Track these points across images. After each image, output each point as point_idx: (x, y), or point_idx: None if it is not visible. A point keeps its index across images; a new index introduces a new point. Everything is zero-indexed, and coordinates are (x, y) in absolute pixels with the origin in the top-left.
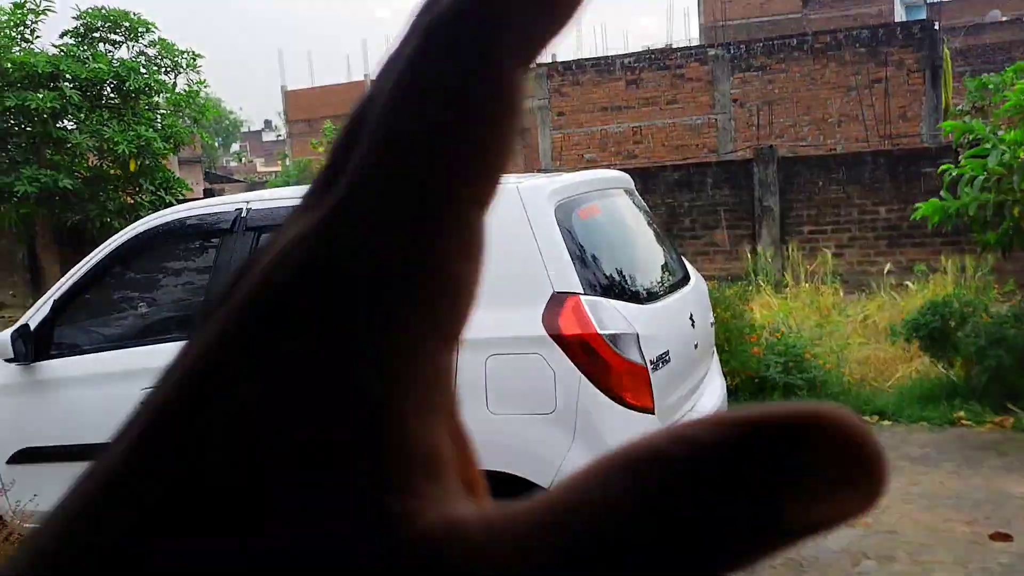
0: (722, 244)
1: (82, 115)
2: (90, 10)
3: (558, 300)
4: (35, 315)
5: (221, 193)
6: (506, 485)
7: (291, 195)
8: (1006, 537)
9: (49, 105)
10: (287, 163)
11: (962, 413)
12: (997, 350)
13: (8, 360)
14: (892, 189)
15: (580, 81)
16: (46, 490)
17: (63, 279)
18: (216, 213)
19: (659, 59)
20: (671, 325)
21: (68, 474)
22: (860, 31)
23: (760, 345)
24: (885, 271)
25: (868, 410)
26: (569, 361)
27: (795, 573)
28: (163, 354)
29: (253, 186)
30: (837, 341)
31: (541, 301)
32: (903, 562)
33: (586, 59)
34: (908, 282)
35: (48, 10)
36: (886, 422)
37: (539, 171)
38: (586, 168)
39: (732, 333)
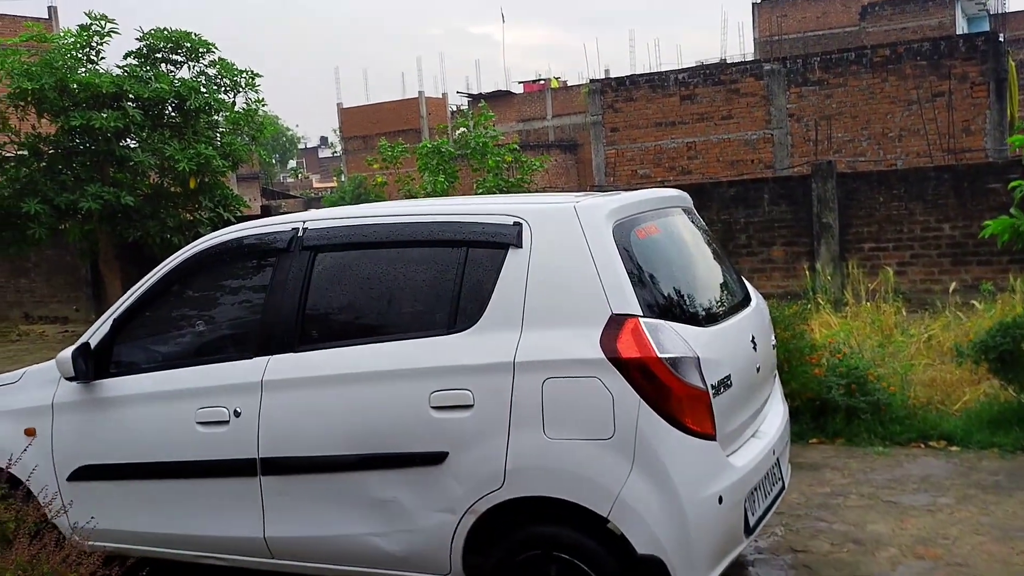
0: (779, 261)
1: (144, 134)
2: (153, 31)
3: (616, 322)
4: (95, 333)
5: (278, 209)
6: (563, 512)
7: (346, 215)
8: None
9: (113, 124)
10: (342, 179)
11: None
12: None
13: (69, 378)
14: (956, 205)
15: (634, 97)
16: (105, 508)
17: (123, 298)
18: (273, 233)
19: (713, 74)
20: (733, 348)
21: (126, 492)
22: (921, 44)
23: (821, 366)
24: (950, 289)
25: (935, 435)
26: (628, 385)
27: None
28: (218, 375)
29: (309, 202)
30: (900, 362)
31: (599, 323)
32: None
33: (640, 75)
34: (974, 301)
35: (113, 32)
36: (954, 448)
37: (592, 187)
38: (640, 184)
39: (792, 353)
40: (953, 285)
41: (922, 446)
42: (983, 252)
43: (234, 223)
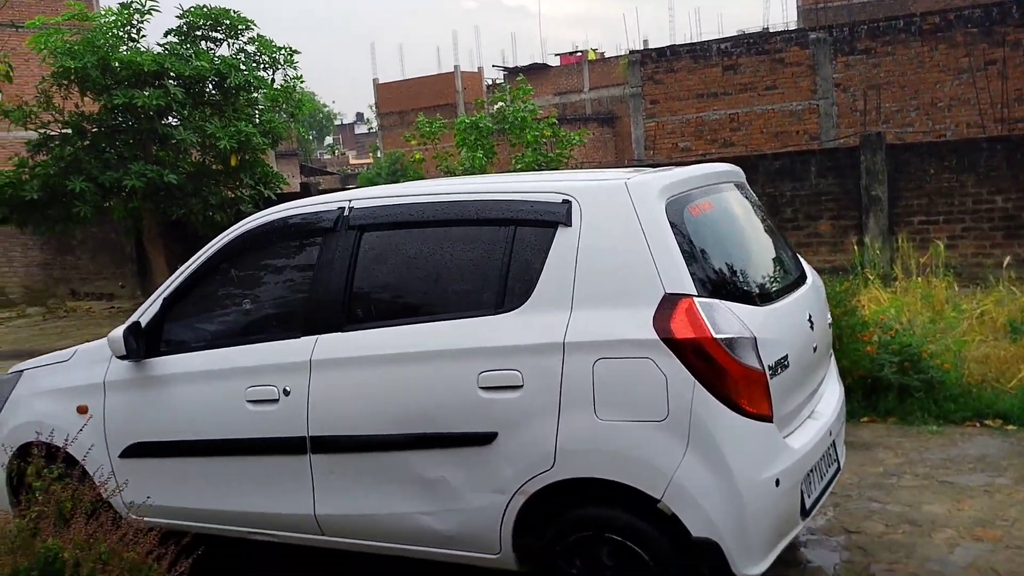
0: (826, 235)
1: (185, 112)
2: (192, 8)
3: (670, 302)
4: (146, 312)
5: (317, 186)
6: (615, 494)
7: (392, 194)
8: None
9: (155, 103)
10: (378, 155)
11: None
12: None
13: (121, 357)
14: (1009, 177)
15: (674, 68)
16: (157, 485)
17: (172, 277)
18: (319, 212)
19: (757, 43)
20: (789, 327)
21: (178, 469)
22: (972, 10)
23: (873, 343)
24: (1004, 264)
25: (990, 413)
26: (682, 366)
27: None
28: (266, 354)
29: (346, 178)
30: (953, 338)
31: (652, 303)
32: None
33: (680, 45)
34: None
35: (153, 10)
36: (1011, 427)
37: (631, 161)
38: (680, 157)
39: (843, 331)
40: (1007, 259)
41: (977, 425)
42: None
43: (274, 200)
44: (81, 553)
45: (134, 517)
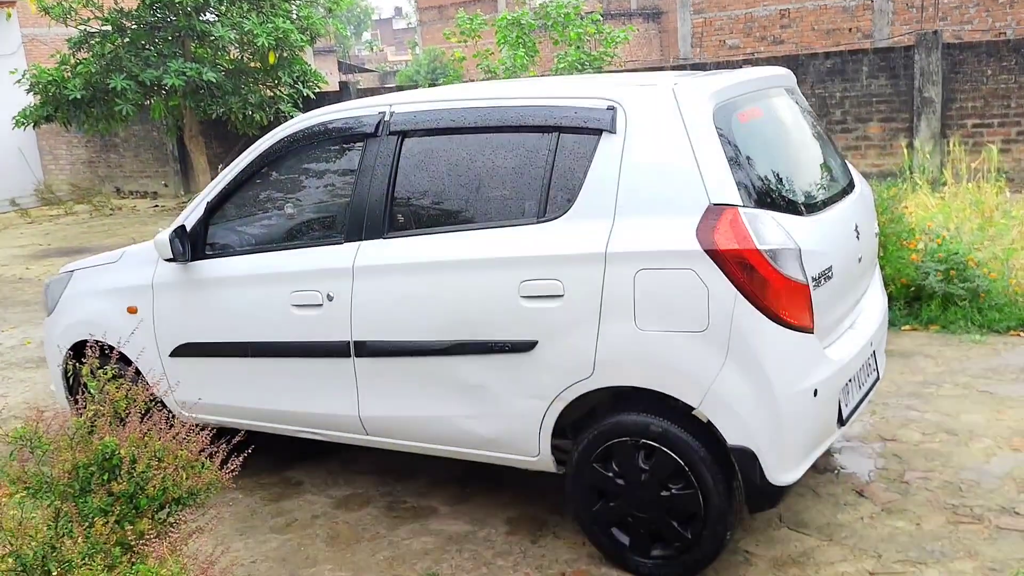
0: (875, 138)
1: (223, 8)
2: None
3: (714, 212)
4: (190, 216)
5: (356, 84)
6: (653, 402)
7: (434, 98)
8: None
9: None
10: (417, 52)
11: None
12: None
13: (167, 259)
14: None
15: None
16: (206, 384)
17: (215, 181)
18: (360, 116)
19: None
20: (835, 238)
21: (226, 369)
22: None
23: (919, 251)
24: None
25: None
26: (724, 277)
27: (953, 497)
28: (310, 259)
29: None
30: (1001, 246)
31: (696, 213)
32: None
33: None
34: None
35: None
36: None
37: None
38: (728, 56)
39: (889, 238)
40: None
41: (1021, 335)
42: None
43: (313, 99)
44: (137, 450)
45: (186, 415)
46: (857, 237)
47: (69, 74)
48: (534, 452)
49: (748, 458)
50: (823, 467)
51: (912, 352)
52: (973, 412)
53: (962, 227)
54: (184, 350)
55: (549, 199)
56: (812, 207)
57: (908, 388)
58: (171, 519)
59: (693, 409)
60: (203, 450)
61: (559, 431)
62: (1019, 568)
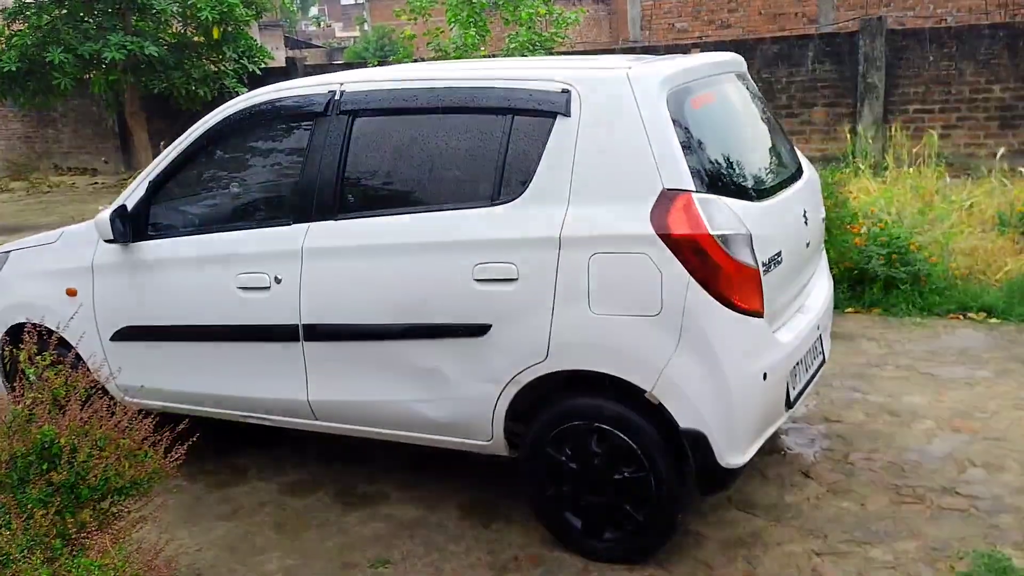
0: (820, 123)
1: None
2: None
3: (668, 197)
4: (132, 195)
5: (303, 60)
6: (607, 386)
7: (385, 78)
8: None
9: None
10: (366, 28)
11: None
12: None
13: (108, 240)
14: (1010, 66)
15: None
16: (149, 368)
17: (157, 160)
18: (309, 95)
19: None
20: (784, 223)
21: (170, 353)
22: None
23: (862, 235)
24: (998, 155)
25: (975, 307)
26: (677, 262)
27: (896, 478)
28: (257, 241)
29: (332, 52)
30: (941, 230)
31: (650, 198)
32: (1013, 471)
33: None
34: (1021, 168)
35: None
36: (994, 320)
37: (625, 42)
38: (676, 39)
39: (832, 222)
40: (1001, 150)
41: (961, 318)
42: None
43: (258, 75)
44: (77, 439)
45: (129, 401)
46: (805, 223)
47: (3, 46)
48: (487, 436)
49: (699, 441)
50: (770, 449)
51: (855, 334)
52: (915, 394)
53: (903, 211)
54: (126, 334)
55: (503, 182)
56: (762, 193)
57: (852, 370)
58: (113, 509)
59: (645, 393)
60: (146, 438)
61: (512, 415)
62: (959, 547)
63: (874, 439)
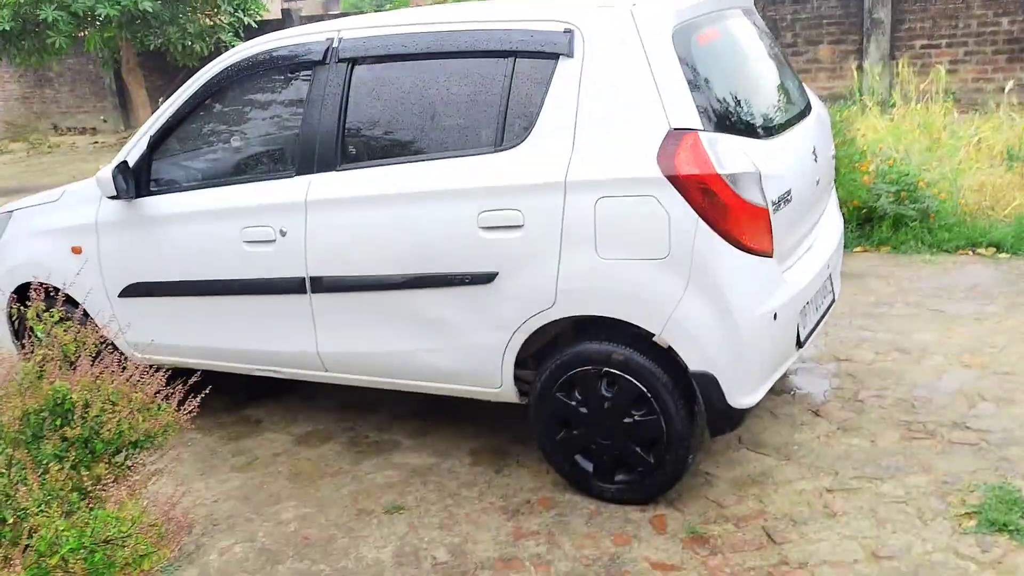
0: (826, 61)
1: None
2: None
3: (675, 137)
4: (132, 151)
5: (298, 11)
6: (615, 331)
7: (383, 23)
8: None
9: None
10: None
11: None
12: None
13: (111, 197)
14: None
15: None
16: (158, 324)
17: (156, 114)
18: (306, 44)
19: None
20: (794, 161)
21: (178, 308)
22: None
23: (870, 173)
24: (1006, 89)
25: (983, 242)
26: (685, 203)
27: (906, 414)
28: (260, 194)
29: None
30: (949, 167)
31: (656, 138)
32: (1022, 405)
33: None
34: None
35: None
36: (1003, 255)
37: None
38: None
39: (841, 160)
40: (1009, 84)
41: (970, 253)
42: None
43: (255, 28)
44: (89, 394)
45: (139, 356)
46: (815, 160)
47: None
48: (496, 384)
49: (709, 383)
50: (780, 389)
51: (865, 273)
52: (924, 331)
53: (911, 149)
54: (133, 290)
55: (506, 126)
56: (771, 130)
57: (861, 309)
58: (128, 462)
59: (654, 336)
60: (159, 392)
61: (521, 362)
62: (970, 480)
63: (884, 377)
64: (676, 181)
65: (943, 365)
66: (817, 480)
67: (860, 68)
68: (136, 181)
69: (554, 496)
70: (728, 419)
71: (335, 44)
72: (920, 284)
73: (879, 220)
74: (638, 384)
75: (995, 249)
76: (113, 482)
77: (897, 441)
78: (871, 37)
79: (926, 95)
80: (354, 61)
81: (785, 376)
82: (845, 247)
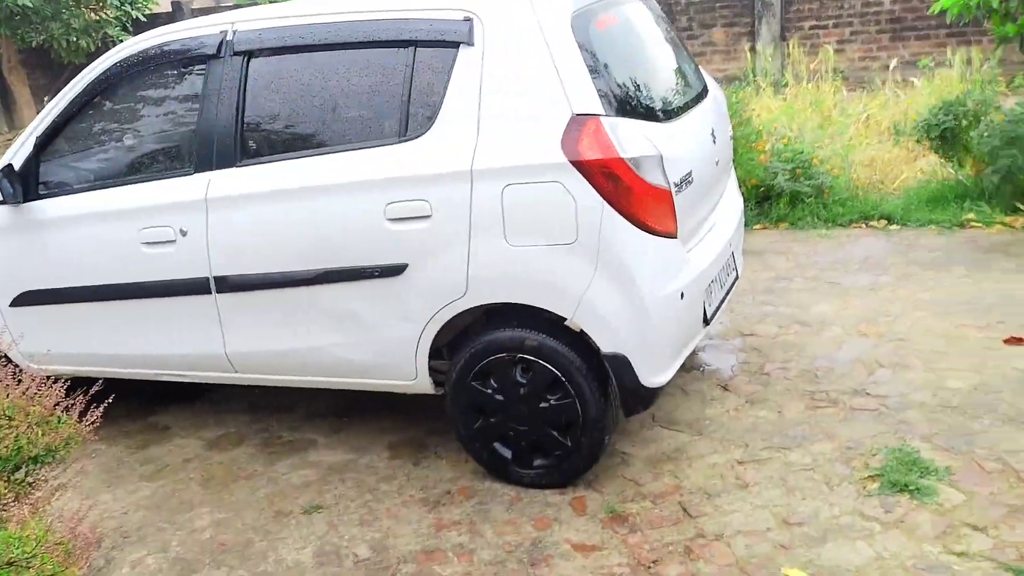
0: (720, 44)
1: None
2: None
3: (578, 123)
4: (18, 153)
5: (190, 4)
6: (528, 317)
7: (278, 15)
8: (1020, 341)
9: None
10: None
11: (971, 215)
12: (1011, 149)
13: None
14: None
15: None
16: (55, 333)
17: (42, 114)
18: (199, 37)
19: None
20: (693, 143)
21: (77, 316)
22: None
23: (766, 152)
24: (890, 67)
25: (875, 215)
26: (590, 187)
27: (810, 384)
28: (157, 194)
29: None
30: (841, 143)
31: (559, 125)
32: (917, 369)
33: None
34: (912, 78)
35: None
36: (894, 226)
37: None
38: None
39: (738, 141)
40: (893, 62)
41: (863, 226)
42: (921, 27)
43: (144, 21)
44: None
45: (36, 368)
46: (714, 141)
47: None
48: (411, 376)
49: (621, 364)
50: (689, 366)
51: (765, 250)
52: (823, 303)
53: (804, 127)
54: (26, 299)
55: (410, 117)
56: (670, 113)
57: (763, 284)
58: (29, 479)
59: (566, 321)
60: (58, 404)
61: (436, 352)
62: (871, 445)
63: (787, 349)
64: (580, 166)
65: (842, 336)
66: (729, 453)
67: (753, 50)
68: (23, 184)
69: (473, 485)
70: (641, 398)
71: (229, 37)
72: (817, 258)
73: (777, 198)
74: (552, 369)
75: (886, 221)
76: (14, 500)
77: (802, 411)
78: (762, 19)
79: (816, 74)
80: (250, 54)
81: (694, 353)
82: (746, 225)
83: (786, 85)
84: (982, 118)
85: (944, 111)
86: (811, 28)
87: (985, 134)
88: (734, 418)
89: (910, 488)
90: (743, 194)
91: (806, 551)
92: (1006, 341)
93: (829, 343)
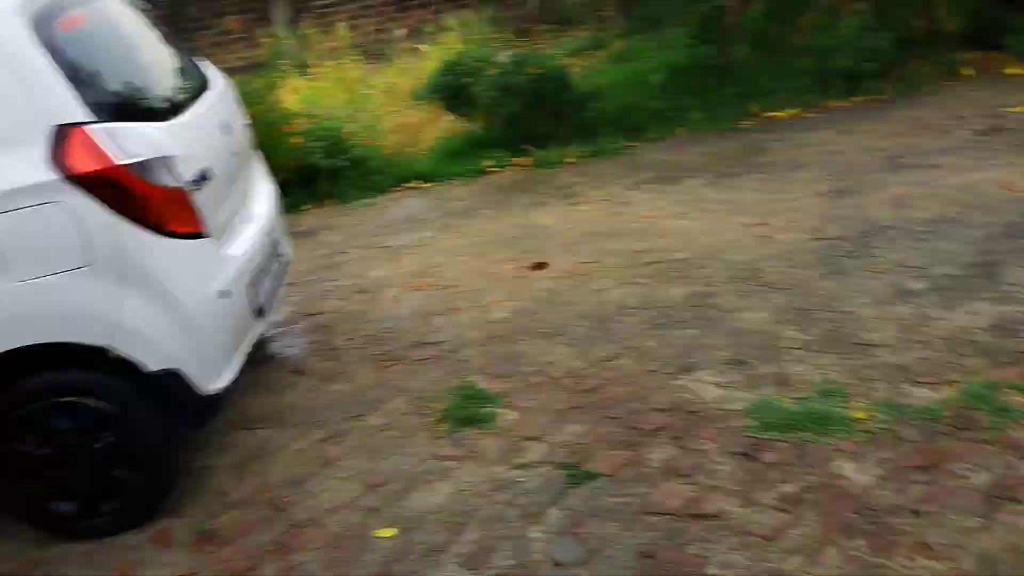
0: (237, 31)
1: None
2: None
3: (62, 135)
4: None
5: None
6: (61, 355)
7: None
8: (543, 265)
9: None
10: None
11: (488, 162)
12: (508, 97)
13: None
14: None
15: None
16: None
17: None
18: None
19: None
20: (203, 137)
21: None
22: None
23: (299, 134)
24: (401, 37)
25: (410, 177)
26: (95, 202)
27: (377, 347)
28: None
29: None
30: (370, 115)
31: (41, 140)
32: (467, 311)
33: None
34: (420, 45)
35: None
36: (427, 184)
37: None
38: None
39: (268, 127)
40: (404, 32)
41: (402, 189)
42: None
43: None
44: None
45: None
46: (226, 132)
47: None
48: None
49: (175, 379)
50: (260, 359)
51: (316, 229)
52: (377, 268)
53: (334, 105)
54: None
55: None
56: (170, 111)
57: (319, 262)
58: None
59: (106, 349)
60: None
61: None
62: (437, 389)
63: (352, 320)
64: (77, 180)
65: (399, 294)
66: (311, 435)
67: (271, 35)
68: None
69: (40, 554)
70: (206, 407)
71: None
72: (366, 227)
73: (318, 176)
74: (99, 403)
75: (421, 181)
76: None
77: (374, 374)
78: (273, 3)
79: (336, 52)
80: None
81: (263, 346)
82: (294, 209)
83: (309, 66)
84: (480, 73)
85: (448, 71)
86: (322, 8)
87: (485, 88)
88: (312, 399)
89: (474, 420)
90: (286, 178)
91: (393, 507)
92: (531, 268)
93: (389, 304)
